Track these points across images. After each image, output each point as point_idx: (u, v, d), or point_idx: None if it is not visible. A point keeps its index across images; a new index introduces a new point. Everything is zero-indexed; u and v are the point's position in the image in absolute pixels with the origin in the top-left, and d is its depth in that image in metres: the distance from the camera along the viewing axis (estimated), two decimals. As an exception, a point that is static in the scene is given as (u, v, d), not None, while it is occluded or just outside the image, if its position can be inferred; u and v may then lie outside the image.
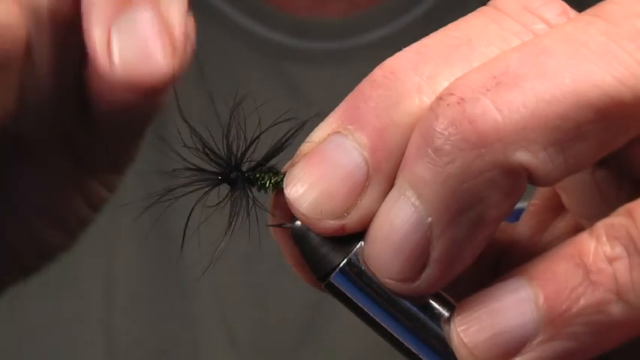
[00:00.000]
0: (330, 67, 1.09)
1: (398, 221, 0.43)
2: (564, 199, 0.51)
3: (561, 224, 0.52)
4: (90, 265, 1.04)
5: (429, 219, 0.42)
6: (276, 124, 0.48)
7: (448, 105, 0.41)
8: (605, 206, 0.44)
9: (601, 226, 0.42)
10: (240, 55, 1.09)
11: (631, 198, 0.43)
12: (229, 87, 0.51)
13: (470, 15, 0.45)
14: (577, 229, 0.48)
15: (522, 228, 0.53)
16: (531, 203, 0.54)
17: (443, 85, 0.43)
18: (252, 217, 0.48)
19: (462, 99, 0.41)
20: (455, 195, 0.41)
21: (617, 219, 0.42)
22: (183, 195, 0.48)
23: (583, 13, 0.44)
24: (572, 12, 0.45)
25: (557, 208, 0.52)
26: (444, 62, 0.44)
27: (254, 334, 1.03)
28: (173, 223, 1.02)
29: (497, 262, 0.52)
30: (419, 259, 0.43)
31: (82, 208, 0.60)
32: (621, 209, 0.42)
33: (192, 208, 0.48)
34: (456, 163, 0.41)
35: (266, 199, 0.49)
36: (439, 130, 0.41)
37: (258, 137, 0.49)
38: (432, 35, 0.45)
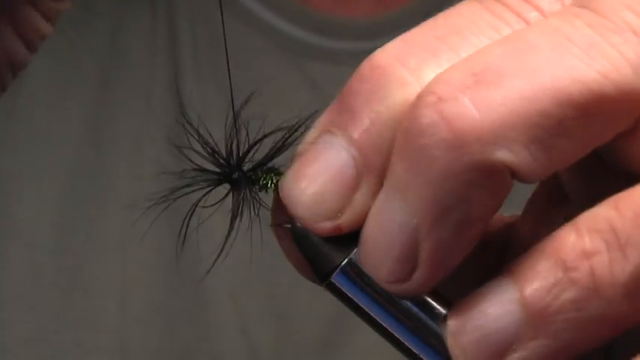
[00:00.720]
0: (354, 67, 1.06)
1: (385, 223, 0.42)
2: (567, 189, 0.50)
3: (564, 216, 0.51)
4: (104, 272, 1.01)
5: (415, 221, 0.41)
6: (279, 125, 0.48)
7: (426, 105, 0.40)
8: (600, 200, 0.42)
9: (583, 218, 0.41)
10: (262, 51, 1.07)
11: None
12: (244, 85, 0.50)
13: (463, 3, 0.44)
14: None
15: (525, 222, 0.52)
16: (533, 195, 0.52)
17: (429, 77, 0.42)
18: (255, 218, 0.48)
19: (440, 98, 0.40)
20: (437, 196, 0.40)
21: (602, 210, 0.40)
22: (183, 195, 0.48)
23: (573, 3, 0.43)
24: None
25: (559, 200, 0.51)
26: (430, 54, 0.43)
27: (275, 345, 1.01)
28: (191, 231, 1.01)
29: (502, 258, 0.51)
30: (408, 260, 0.42)
31: (14, 41, 0.57)
32: (608, 200, 0.41)
33: (192, 209, 0.49)
34: (435, 164, 0.40)
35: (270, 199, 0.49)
36: (418, 131, 0.40)
37: (263, 137, 0.49)
38: (422, 25, 0.44)
